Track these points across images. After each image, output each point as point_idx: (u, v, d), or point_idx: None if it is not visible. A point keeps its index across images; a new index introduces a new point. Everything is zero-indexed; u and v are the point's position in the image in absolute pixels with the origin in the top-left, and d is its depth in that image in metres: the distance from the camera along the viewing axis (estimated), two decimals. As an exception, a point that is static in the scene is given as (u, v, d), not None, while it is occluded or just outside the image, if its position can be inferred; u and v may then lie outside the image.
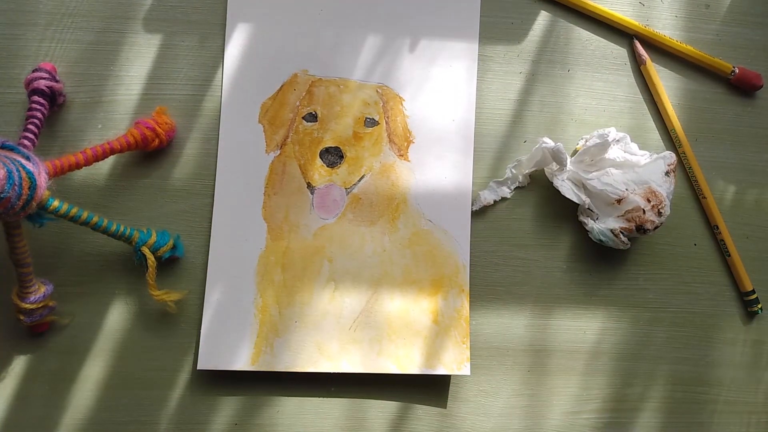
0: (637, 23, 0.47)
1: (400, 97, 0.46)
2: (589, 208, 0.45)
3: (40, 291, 0.42)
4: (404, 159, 0.46)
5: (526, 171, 0.46)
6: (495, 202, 0.46)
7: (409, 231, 0.46)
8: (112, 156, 0.42)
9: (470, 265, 0.46)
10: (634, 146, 0.45)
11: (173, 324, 0.45)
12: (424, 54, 0.47)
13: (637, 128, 0.48)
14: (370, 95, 0.46)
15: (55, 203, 0.39)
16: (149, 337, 0.44)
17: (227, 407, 0.45)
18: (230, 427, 0.45)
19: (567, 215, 0.47)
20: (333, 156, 0.46)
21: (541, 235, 0.47)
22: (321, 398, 0.45)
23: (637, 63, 0.48)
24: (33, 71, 0.42)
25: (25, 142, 0.40)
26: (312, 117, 0.46)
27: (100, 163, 0.43)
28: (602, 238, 0.44)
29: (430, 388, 0.45)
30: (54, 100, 0.43)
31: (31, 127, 0.41)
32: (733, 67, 0.47)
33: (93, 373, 0.44)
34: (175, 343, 0.44)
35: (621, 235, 0.43)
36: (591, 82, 0.47)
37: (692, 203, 0.48)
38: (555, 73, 0.47)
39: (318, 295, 0.44)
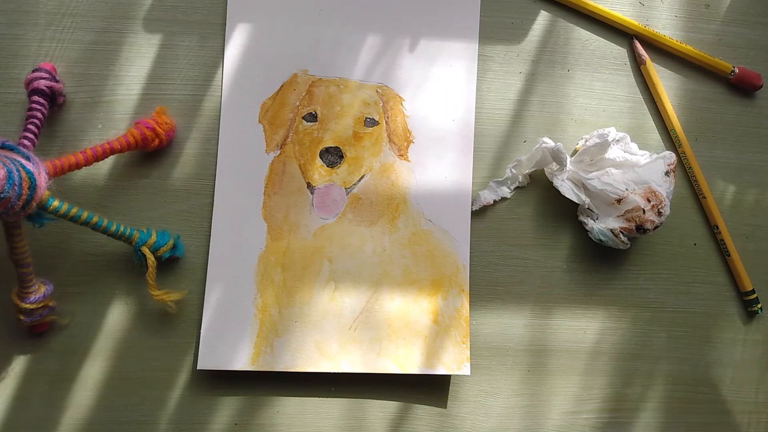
0: (637, 23, 0.47)
1: (400, 97, 0.46)
2: (589, 208, 0.45)
3: (40, 291, 0.42)
4: (404, 159, 0.46)
5: (526, 171, 0.46)
6: (495, 202, 0.46)
7: (409, 231, 0.46)
8: (112, 156, 0.42)
9: (470, 265, 0.46)
10: (634, 146, 0.45)
11: (173, 324, 0.45)
12: (424, 54, 0.47)
13: (637, 128, 0.48)
14: (370, 95, 0.46)
15: (55, 203, 0.39)
16: (149, 337, 0.44)
17: (227, 407, 0.45)
18: (230, 427, 0.45)
19: (567, 215, 0.47)
20: (333, 156, 0.46)
21: (540, 235, 0.47)
22: (321, 398, 0.45)
23: (637, 63, 0.48)
24: (33, 71, 0.42)
25: (25, 142, 0.40)
26: (312, 117, 0.46)
27: (100, 163, 0.43)
28: (602, 237, 0.44)
29: (430, 388, 0.45)
30: (54, 100, 0.43)
31: (31, 127, 0.41)
32: (733, 67, 0.47)
33: (93, 373, 0.44)
34: (175, 343, 0.44)
35: (621, 235, 0.43)
36: (591, 82, 0.47)
37: (692, 203, 0.48)
38: (555, 73, 0.47)
39: (318, 295, 0.44)
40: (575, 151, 0.46)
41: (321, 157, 0.46)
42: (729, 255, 0.47)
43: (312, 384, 0.45)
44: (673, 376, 0.47)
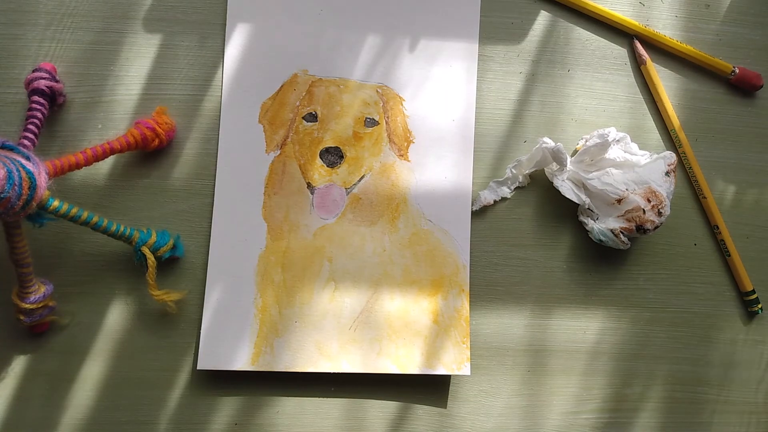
0: (637, 23, 0.47)
1: (400, 97, 0.46)
2: (589, 208, 0.45)
3: (40, 291, 0.42)
4: (404, 159, 0.46)
5: (526, 171, 0.46)
6: (495, 202, 0.46)
7: (409, 231, 0.46)
8: (112, 156, 0.42)
9: (470, 265, 0.46)
10: (634, 146, 0.45)
11: (173, 324, 0.45)
12: (424, 54, 0.46)
13: (637, 128, 0.48)
14: (370, 95, 0.46)
15: (55, 203, 0.39)
16: (149, 337, 0.44)
17: (227, 407, 0.45)
18: (230, 427, 0.45)
19: (567, 215, 0.47)
20: (333, 156, 0.46)
21: (541, 235, 0.47)
22: (321, 398, 0.45)
23: (637, 63, 0.48)
24: (33, 71, 0.42)
25: (25, 142, 0.40)
26: (312, 117, 0.46)
27: (100, 163, 0.43)
28: (602, 238, 0.44)
29: (430, 388, 0.45)
30: (54, 100, 0.43)
31: (31, 127, 0.41)
32: (733, 67, 0.47)
33: (93, 373, 0.44)
34: (175, 343, 0.44)
35: (621, 235, 0.43)
36: (591, 82, 0.47)
37: (692, 203, 0.48)
38: (555, 73, 0.47)
39: (318, 295, 0.44)
40: (575, 151, 0.46)
41: (321, 157, 0.46)
42: (729, 255, 0.47)
43: (312, 384, 0.45)
44: (673, 376, 0.47)
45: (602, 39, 0.48)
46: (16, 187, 0.35)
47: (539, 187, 0.47)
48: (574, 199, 0.44)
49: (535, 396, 0.46)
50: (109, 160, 0.45)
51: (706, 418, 0.47)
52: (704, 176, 0.47)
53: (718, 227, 0.47)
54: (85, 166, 0.41)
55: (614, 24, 0.47)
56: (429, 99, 0.46)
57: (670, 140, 0.48)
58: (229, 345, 0.44)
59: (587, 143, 0.45)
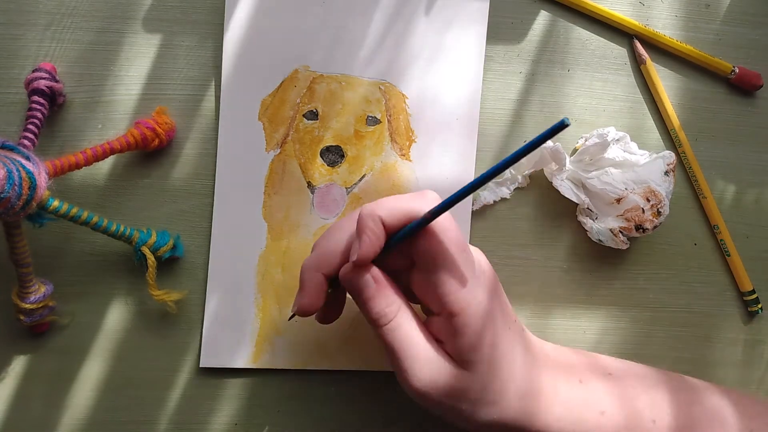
0: (637, 23, 0.47)
1: (403, 95, 0.46)
2: (588, 208, 0.45)
3: (40, 291, 0.42)
4: (406, 159, 0.46)
5: (526, 172, 0.46)
6: (494, 202, 0.46)
7: (409, 231, 0.45)
8: (112, 156, 0.42)
9: (470, 265, 0.46)
10: (633, 145, 0.45)
11: (173, 324, 0.45)
12: (429, 51, 0.46)
13: (637, 128, 0.48)
14: (373, 92, 0.46)
15: (55, 203, 0.39)
16: (149, 337, 0.44)
17: (227, 407, 0.45)
18: (230, 427, 0.45)
19: (567, 215, 0.47)
20: (333, 155, 0.45)
21: (541, 235, 0.47)
22: (321, 397, 0.45)
23: (637, 63, 0.48)
24: (33, 71, 0.42)
25: (25, 142, 0.40)
26: (313, 115, 0.45)
27: (100, 163, 0.43)
28: (601, 237, 0.44)
29: (430, 388, 0.45)
30: (54, 100, 0.43)
31: (31, 127, 0.41)
32: (733, 67, 0.47)
33: (93, 373, 0.44)
34: (175, 343, 0.44)
35: (620, 235, 0.43)
36: (591, 81, 0.47)
37: (692, 203, 0.48)
38: (555, 73, 0.47)
39: (318, 295, 0.44)
40: (575, 150, 0.46)
41: (321, 156, 0.45)
42: (729, 255, 0.47)
43: (312, 383, 0.45)
44: (673, 376, 0.47)
45: (602, 39, 0.48)
46: (16, 187, 0.36)
47: (539, 187, 0.47)
48: (574, 198, 0.44)
49: (535, 396, 0.46)
50: (109, 160, 0.45)
51: (706, 418, 0.47)
52: (704, 176, 0.47)
53: (718, 227, 0.47)
54: (85, 166, 0.41)
55: (614, 24, 0.47)
56: (433, 97, 0.46)
57: (670, 140, 0.48)
58: (230, 343, 0.44)
59: (586, 143, 0.45)
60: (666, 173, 0.43)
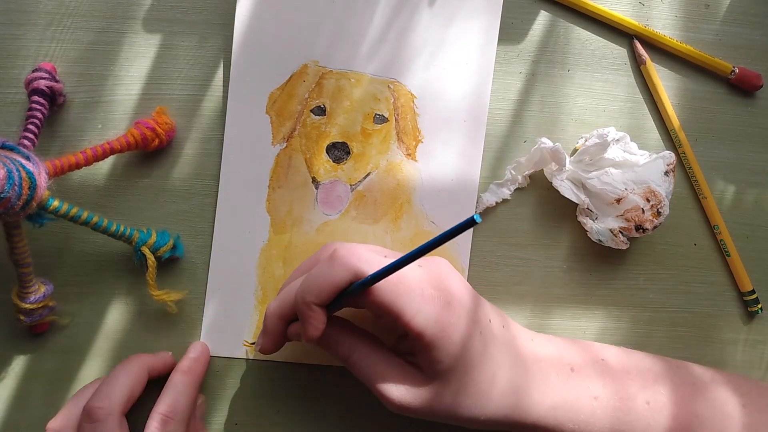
0: (637, 23, 0.47)
1: (412, 95, 0.45)
2: (588, 208, 0.45)
3: (40, 291, 0.42)
4: (411, 158, 0.46)
5: (526, 172, 0.46)
6: (496, 203, 0.46)
7: (411, 231, 0.45)
8: (112, 156, 0.42)
9: (470, 265, 0.46)
10: (633, 146, 0.45)
11: (173, 324, 0.45)
12: (440, 51, 0.45)
13: (637, 128, 0.48)
14: (381, 91, 0.45)
15: (55, 203, 0.39)
16: (149, 337, 0.44)
17: (227, 407, 0.45)
18: (231, 426, 0.45)
19: (567, 215, 0.47)
20: (339, 151, 0.45)
21: (541, 235, 0.47)
22: (320, 396, 0.45)
23: (637, 63, 0.48)
24: (33, 71, 0.42)
25: (25, 142, 0.40)
26: (320, 110, 0.45)
27: (100, 163, 0.43)
28: (601, 238, 0.44)
29: (430, 388, 0.45)
30: (54, 100, 0.43)
31: (31, 127, 0.41)
32: (733, 67, 0.47)
33: (93, 373, 0.44)
34: (175, 343, 0.44)
35: (620, 235, 0.43)
36: (591, 82, 0.47)
37: (692, 203, 0.48)
38: (555, 73, 0.47)
39: (318, 295, 0.44)
40: (575, 151, 0.46)
41: (327, 152, 0.45)
42: (729, 255, 0.47)
43: (312, 382, 0.45)
44: (673, 376, 0.47)
45: (602, 39, 0.48)
46: (16, 187, 0.36)
47: (539, 187, 0.47)
48: (574, 198, 0.44)
49: (535, 396, 0.46)
50: (109, 160, 0.45)
51: (706, 418, 0.47)
52: (704, 176, 0.47)
53: (718, 227, 0.47)
54: (85, 166, 0.41)
55: (614, 24, 0.47)
56: (442, 98, 0.45)
57: (670, 140, 0.48)
58: (230, 334, 0.44)
59: (587, 143, 0.45)
60: (666, 173, 0.43)
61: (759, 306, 0.48)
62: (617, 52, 0.48)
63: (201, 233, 0.45)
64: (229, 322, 0.44)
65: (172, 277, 0.45)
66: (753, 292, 0.48)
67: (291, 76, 0.45)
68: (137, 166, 0.45)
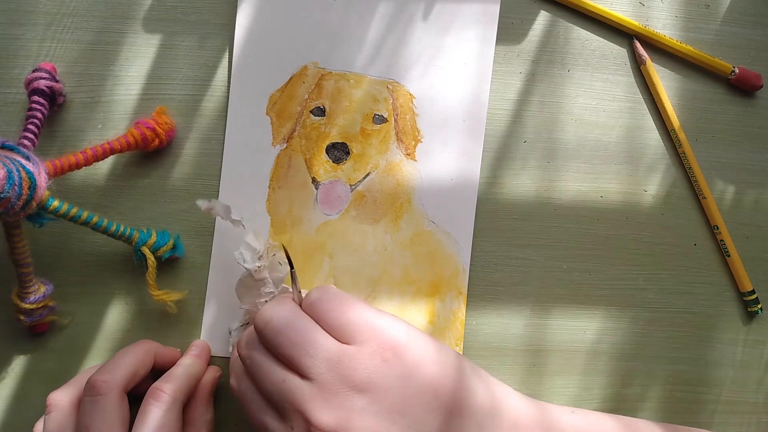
0: (637, 23, 0.47)
1: (411, 95, 0.46)
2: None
3: (40, 291, 0.42)
4: (411, 158, 0.46)
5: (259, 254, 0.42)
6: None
7: (411, 231, 0.45)
8: (112, 156, 0.43)
9: (470, 265, 0.46)
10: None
11: (173, 324, 0.45)
12: (439, 52, 0.46)
13: (637, 128, 0.48)
14: (380, 91, 0.46)
15: (55, 203, 0.39)
16: (149, 337, 0.44)
17: (228, 407, 0.45)
18: (231, 426, 0.45)
19: (567, 215, 0.47)
20: (339, 152, 0.45)
21: (541, 235, 0.47)
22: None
23: (637, 63, 0.48)
24: (33, 71, 0.42)
25: (25, 142, 0.40)
26: (320, 111, 0.45)
27: (100, 163, 0.43)
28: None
29: (429, 388, 0.45)
30: (54, 100, 0.43)
31: (31, 127, 0.41)
32: (733, 67, 0.47)
33: (93, 373, 0.44)
34: (176, 343, 0.44)
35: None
36: (590, 81, 0.47)
37: (692, 203, 0.48)
38: (554, 72, 0.47)
39: (318, 295, 0.45)
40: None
41: (327, 153, 0.45)
42: (729, 255, 0.47)
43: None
44: (673, 376, 0.47)
45: (602, 39, 0.48)
46: (16, 187, 0.36)
47: (539, 186, 0.47)
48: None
49: (534, 396, 0.46)
50: (109, 160, 0.45)
51: (706, 418, 0.47)
52: (704, 176, 0.47)
53: (718, 227, 0.47)
54: (85, 166, 0.41)
55: (614, 24, 0.47)
56: (441, 98, 0.46)
57: (670, 140, 0.48)
58: (228, 336, 0.44)
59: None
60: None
61: (759, 306, 0.48)
62: (617, 52, 0.48)
63: (201, 233, 0.45)
64: (230, 322, 0.44)
65: (172, 277, 0.45)
66: (753, 292, 0.48)
67: (291, 78, 0.45)
68: (137, 166, 0.45)
